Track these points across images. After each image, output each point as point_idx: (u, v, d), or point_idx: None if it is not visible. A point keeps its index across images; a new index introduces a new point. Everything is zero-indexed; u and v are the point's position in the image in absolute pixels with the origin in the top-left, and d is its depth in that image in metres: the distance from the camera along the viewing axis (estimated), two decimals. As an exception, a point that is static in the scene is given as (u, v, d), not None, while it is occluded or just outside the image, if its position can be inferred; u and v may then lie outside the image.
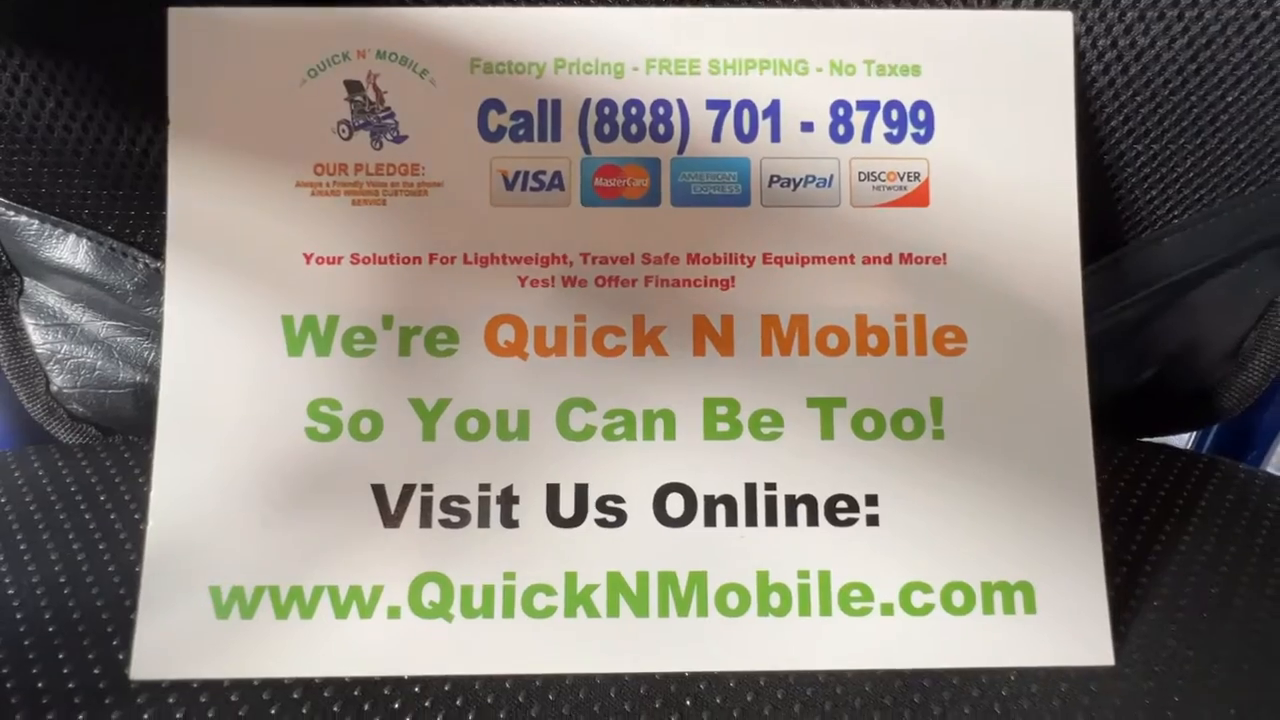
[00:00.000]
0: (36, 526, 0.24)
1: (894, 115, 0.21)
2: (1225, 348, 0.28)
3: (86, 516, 0.24)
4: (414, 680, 0.20)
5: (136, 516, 0.24)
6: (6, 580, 0.22)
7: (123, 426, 0.28)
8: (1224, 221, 0.25)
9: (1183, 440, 0.35)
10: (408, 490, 0.20)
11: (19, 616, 0.21)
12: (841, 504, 0.20)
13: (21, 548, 0.23)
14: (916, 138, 0.21)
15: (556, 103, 0.21)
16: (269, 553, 0.20)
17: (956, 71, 0.21)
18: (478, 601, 0.20)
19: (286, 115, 0.21)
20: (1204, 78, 0.22)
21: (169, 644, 0.20)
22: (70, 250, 0.25)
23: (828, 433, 0.21)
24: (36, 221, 0.25)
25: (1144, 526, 0.24)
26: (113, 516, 0.24)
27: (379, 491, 0.20)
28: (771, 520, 0.20)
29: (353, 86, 0.21)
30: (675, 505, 0.20)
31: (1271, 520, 0.25)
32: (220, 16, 0.21)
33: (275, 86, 0.21)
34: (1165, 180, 0.24)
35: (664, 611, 0.20)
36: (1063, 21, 0.21)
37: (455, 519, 0.20)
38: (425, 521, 0.20)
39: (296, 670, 0.20)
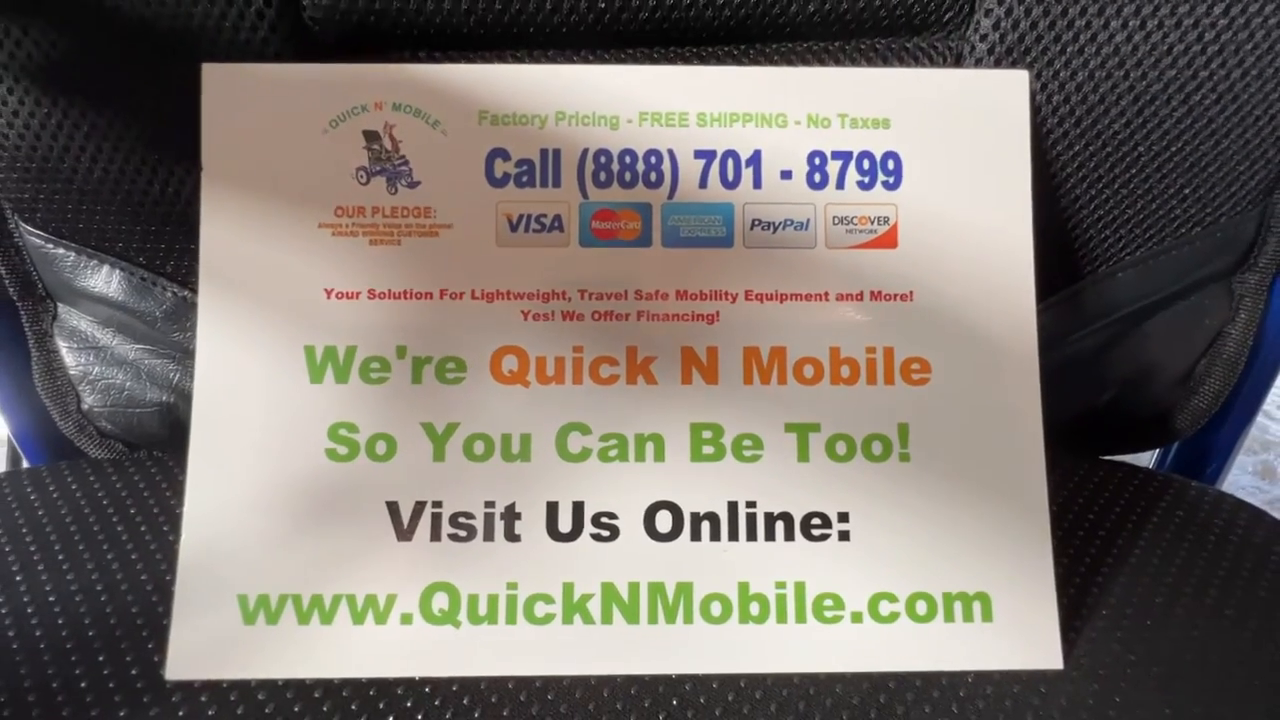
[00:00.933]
0: (72, 536, 0.26)
1: (865, 164, 0.23)
2: (1178, 374, 0.30)
3: (119, 528, 0.26)
4: (425, 681, 0.22)
5: (165, 528, 0.26)
6: (47, 587, 0.24)
7: (148, 443, 0.30)
8: (1172, 259, 0.27)
9: (1147, 456, 0.37)
10: (419, 507, 0.22)
11: (60, 621, 0.23)
12: (816, 521, 0.22)
13: (59, 556, 0.25)
14: (886, 185, 0.23)
15: (557, 152, 0.23)
16: (292, 564, 0.22)
17: (923, 125, 0.23)
18: (483, 609, 0.22)
19: (310, 162, 0.23)
20: (1149, 131, 0.24)
21: (201, 647, 0.21)
22: (104, 280, 0.27)
23: (804, 455, 0.23)
24: (73, 253, 0.27)
25: (1099, 540, 0.26)
26: (143, 528, 0.26)
27: (393, 508, 0.22)
28: (752, 536, 0.22)
29: (371, 136, 0.23)
30: (664, 521, 0.22)
31: (1215, 536, 0.27)
32: (250, 71, 0.22)
33: (300, 135, 0.23)
34: (1117, 221, 0.26)
35: (653, 619, 0.22)
36: (1019, 80, 0.23)
37: (463, 533, 0.22)
38: (435, 536, 0.22)
39: (317, 672, 0.22)
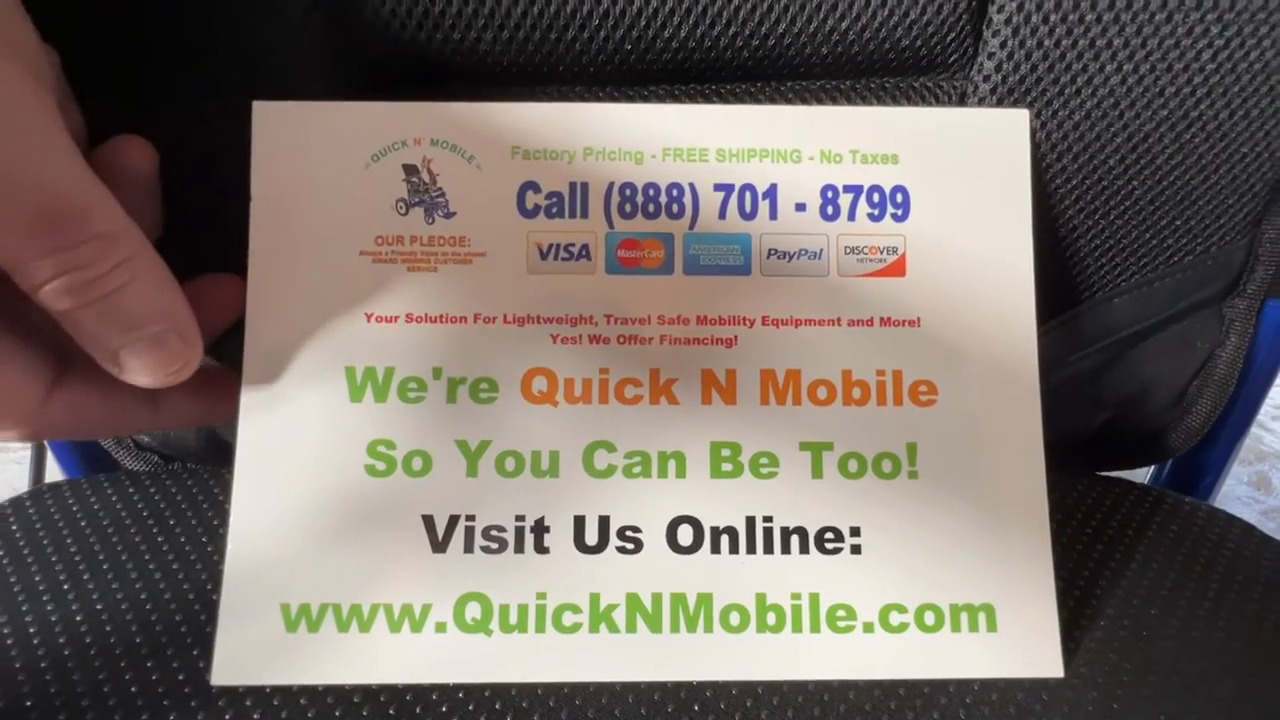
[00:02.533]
0: (115, 548, 0.27)
1: (875, 198, 0.25)
2: (1171, 394, 0.31)
3: (160, 539, 0.27)
4: (458, 687, 0.23)
5: (204, 539, 0.27)
6: (94, 596, 0.25)
7: (184, 455, 0.31)
8: (1166, 286, 0.28)
9: (1142, 473, 0.38)
10: (453, 520, 0.23)
11: (108, 629, 0.24)
12: (829, 535, 0.24)
13: (104, 566, 0.26)
14: (895, 217, 0.25)
15: (585, 185, 0.24)
16: (332, 574, 0.23)
17: (929, 160, 0.25)
18: (514, 618, 0.23)
19: (352, 193, 0.24)
20: (1143, 167, 0.26)
21: (245, 654, 0.23)
22: (147, 301, 0.28)
23: (817, 473, 0.24)
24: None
25: (1097, 554, 0.27)
26: (183, 539, 0.27)
27: (428, 521, 0.23)
28: (769, 549, 0.23)
29: (410, 169, 0.24)
30: (685, 535, 0.23)
31: (1209, 550, 0.28)
32: (298, 108, 0.24)
33: (343, 169, 0.24)
34: (1113, 251, 0.28)
35: (675, 628, 0.23)
36: (1020, 118, 0.25)
37: (494, 546, 0.23)
38: (468, 548, 0.23)
39: (356, 677, 0.23)
